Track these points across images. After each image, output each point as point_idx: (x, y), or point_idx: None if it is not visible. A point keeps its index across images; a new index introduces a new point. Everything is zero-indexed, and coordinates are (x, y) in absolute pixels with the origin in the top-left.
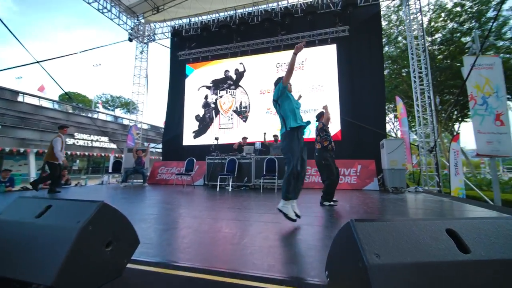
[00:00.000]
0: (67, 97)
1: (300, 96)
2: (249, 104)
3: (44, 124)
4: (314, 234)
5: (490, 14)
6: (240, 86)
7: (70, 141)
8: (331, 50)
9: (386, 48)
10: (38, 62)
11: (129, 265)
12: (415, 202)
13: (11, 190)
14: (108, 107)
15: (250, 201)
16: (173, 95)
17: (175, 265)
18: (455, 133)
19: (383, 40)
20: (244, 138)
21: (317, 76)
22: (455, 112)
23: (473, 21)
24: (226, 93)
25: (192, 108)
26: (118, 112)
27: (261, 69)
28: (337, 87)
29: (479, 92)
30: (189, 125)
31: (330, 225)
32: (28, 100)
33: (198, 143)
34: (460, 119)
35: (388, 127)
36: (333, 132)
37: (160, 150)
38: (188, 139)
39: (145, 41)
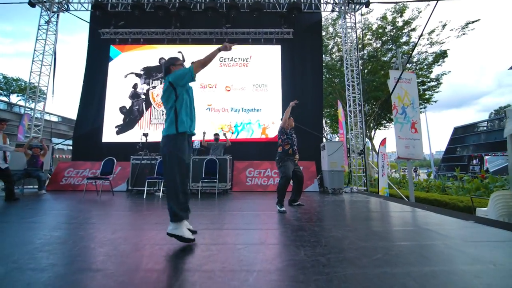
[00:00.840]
0: None
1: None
2: None
3: None
4: (273, 259)
5: (404, 39)
6: None
7: None
8: (275, 51)
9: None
10: None
11: None
12: (358, 203)
13: None
14: (0, 91)
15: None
16: (91, 80)
17: None
18: (373, 138)
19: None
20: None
21: (261, 75)
22: (373, 121)
23: (390, 43)
24: (161, 83)
25: (116, 98)
26: (15, 98)
27: None
28: (280, 88)
29: (400, 102)
30: (111, 118)
31: (288, 242)
32: None
33: (122, 140)
34: (375, 127)
35: None
36: (276, 132)
37: (70, 148)
38: (109, 135)
39: (54, 9)
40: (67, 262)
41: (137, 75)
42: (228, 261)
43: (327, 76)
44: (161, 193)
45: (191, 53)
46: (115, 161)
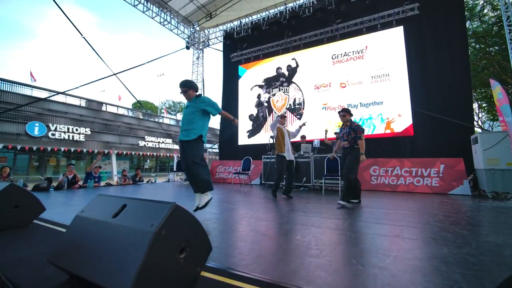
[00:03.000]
0: (139, 105)
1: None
2: (303, 101)
3: (121, 129)
4: (410, 250)
5: None
6: (293, 83)
7: (141, 143)
8: (396, 34)
9: (467, 24)
10: (115, 74)
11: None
12: None
13: (98, 186)
14: (171, 112)
15: (314, 203)
16: (227, 96)
17: (250, 277)
18: None
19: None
20: (303, 137)
21: (381, 65)
22: None
23: None
24: (279, 90)
25: (246, 107)
26: (180, 116)
27: (315, 62)
28: (406, 75)
29: None
30: (243, 125)
31: (427, 239)
32: (110, 109)
33: (252, 143)
34: None
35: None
36: (404, 126)
37: (215, 150)
38: (243, 139)
39: (200, 47)
40: (242, 228)
41: (260, 86)
42: (365, 244)
43: (477, 47)
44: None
45: (304, 57)
46: (251, 159)
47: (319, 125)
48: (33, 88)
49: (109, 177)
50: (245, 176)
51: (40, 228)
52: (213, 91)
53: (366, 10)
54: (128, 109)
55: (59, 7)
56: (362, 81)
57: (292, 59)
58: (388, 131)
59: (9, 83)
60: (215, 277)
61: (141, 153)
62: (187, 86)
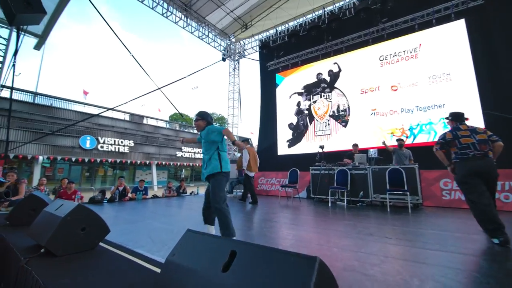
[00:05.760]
0: (180, 117)
1: None
2: (348, 107)
3: (160, 140)
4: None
5: None
6: (336, 88)
7: (178, 153)
8: (457, 28)
9: None
10: (159, 88)
11: None
12: None
13: (146, 197)
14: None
15: (380, 223)
16: (265, 105)
17: None
18: None
19: None
20: (355, 145)
21: (439, 63)
22: None
23: None
24: (320, 97)
25: (285, 116)
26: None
27: (361, 65)
28: (472, 73)
29: None
30: (283, 134)
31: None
32: (150, 121)
33: (293, 152)
34: None
35: None
36: None
37: None
38: (283, 149)
39: (236, 58)
40: None
41: (299, 94)
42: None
43: None
44: (345, 204)
45: (347, 60)
46: (298, 171)
47: (369, 133)
48: (85, 105)
49: (150, 187)
50: (290, 189)
51: (107, 253)
52: (250, 101)
53: (417, 5)
54: (166, 121)
55: (113, 31)
56: (417, 82)
57: (334, 63)
58: None
59: (64, 101)
60: None
61: (178, 163)
62: (200, 116)
